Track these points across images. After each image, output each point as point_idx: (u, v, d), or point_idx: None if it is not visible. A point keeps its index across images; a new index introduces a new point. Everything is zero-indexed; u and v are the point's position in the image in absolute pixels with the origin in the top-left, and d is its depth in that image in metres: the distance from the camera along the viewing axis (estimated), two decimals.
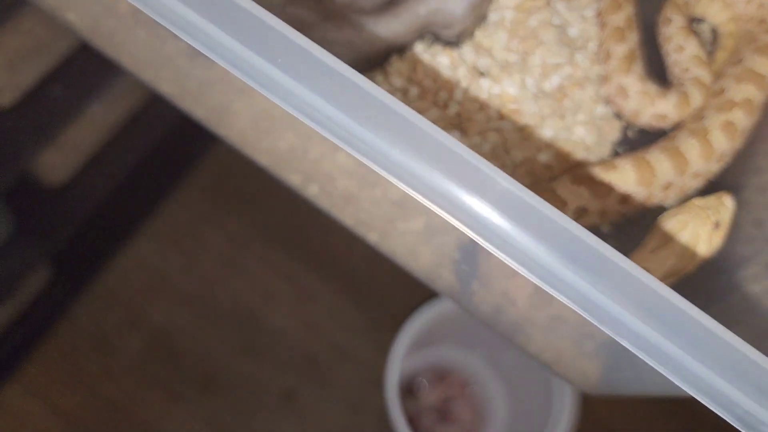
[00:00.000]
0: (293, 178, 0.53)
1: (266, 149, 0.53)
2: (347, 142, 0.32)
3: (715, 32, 0.68)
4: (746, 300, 0.49)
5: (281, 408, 1.41)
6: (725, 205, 0.52)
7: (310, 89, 0.32)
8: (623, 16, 0.60)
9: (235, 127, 0.54)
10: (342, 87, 0.33)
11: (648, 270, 0.50)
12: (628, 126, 0.62)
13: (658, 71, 0.65)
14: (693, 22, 0.68)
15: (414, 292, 1.28)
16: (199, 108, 0.53)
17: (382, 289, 1.49)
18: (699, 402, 0.30)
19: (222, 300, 1.49)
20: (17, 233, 1.16)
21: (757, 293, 0.49)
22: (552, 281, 0.31)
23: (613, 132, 0.61)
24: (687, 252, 0.51)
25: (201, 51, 0.34)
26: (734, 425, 0.31)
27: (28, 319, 1.28)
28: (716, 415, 0.31)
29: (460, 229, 0.32)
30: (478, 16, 0.56)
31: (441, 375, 1.22)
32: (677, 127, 0.60)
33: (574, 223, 0.32)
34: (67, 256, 1.32)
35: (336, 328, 1.49)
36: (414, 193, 0.32)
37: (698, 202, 0.52)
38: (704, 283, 0.53)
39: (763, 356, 0.31)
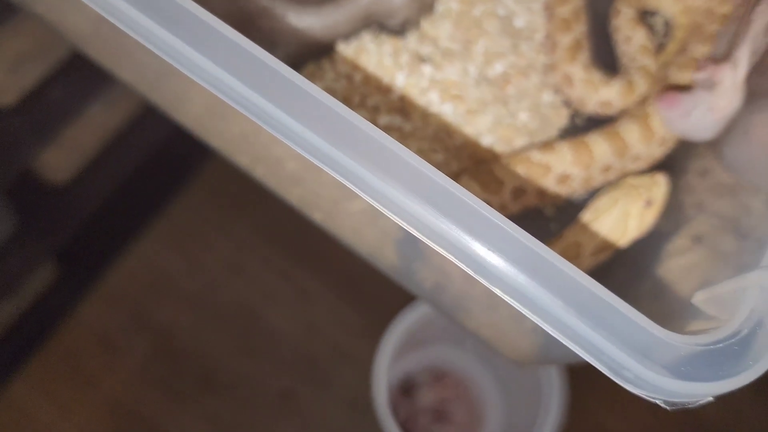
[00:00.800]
0: (242, 160, 0.55)
1: (218, 133, 0.56)
2: (282, 134, 0.35)
3: (668, 24, 0.69)
4: (670, 272, 0.50)
5: (281, 407, 1.43)
6: (658, 183, 0.53)
7: (249, 86, 0.35)
8: (570, 7, 0.62)
9: (190, 113, 0.56)
10: (276, 82, 0.36)
11: (579, 243, 0.51)
12: (576, 113, 0.63)
13: (610, 61, 0.66)
14: (647, 15, 0.70)
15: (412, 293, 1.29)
16: (156, 95, 0.56)
17: (381, 290, 1.50)
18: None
19: (224, 301, 1.52)
20: (20, 231, 1.21)
21: (680, 265, 0.50)
22: (466, 260, 0.33)
23: (561, 119, 0.62)
24: (617, 228, 0.52)
25: (148, 48, 0.37)
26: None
27: (32, 317, 1.33)
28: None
29: (392, 219, 0.34)
30: (422, 6, 0.58)
31: (438, 376, 1.23)
32: (623, 114, 0.61)
33: (486, 207, 0.34)
34: (71, 255, 1.36)
35: (335, 329, 1.50)
36: (348, 184, 0.34)
37: (632, 180, 0.54)
38: (636, 258, 0.55)
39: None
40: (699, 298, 0.40)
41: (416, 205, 0.33)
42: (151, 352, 1.45)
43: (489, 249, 0.32)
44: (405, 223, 0.33)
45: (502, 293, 0.33)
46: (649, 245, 0.56)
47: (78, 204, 1.29)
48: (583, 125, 0.63)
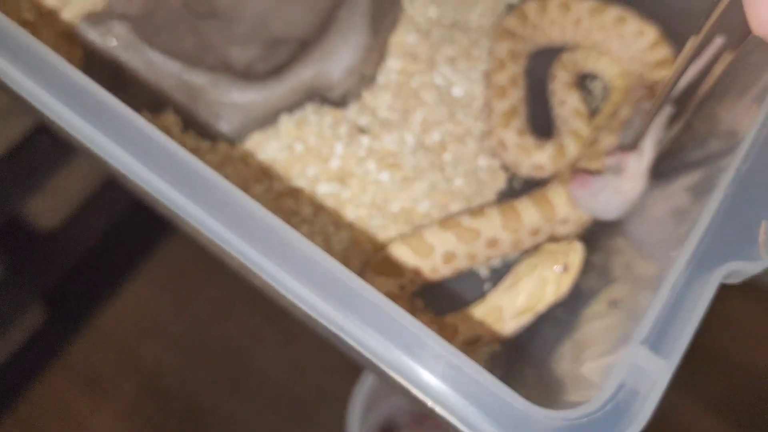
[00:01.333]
0: (184, 228, 0.58)
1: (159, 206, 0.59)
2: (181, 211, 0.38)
3: (606, 88, 0.72)
4: (585, 336, 0.53)
5: None
6: (575, 250, 0.56)
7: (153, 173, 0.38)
8: (507, 74, 0.65)
9: (135, 189, 0.60)
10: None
11: (500, 307, 0.54)
12: (514, 177, 0.67)
13: (550, 124, 0.70)
14: (587, 80, 0.73)
15: None
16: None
17: None
18: None
19: (211, 342, 1.54)
20: (8, 276, 1.24)
21: (594, 329, 0.52)
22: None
23: (499, 183, 0.65)
24: (536, 292, 0.55)
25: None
26: None
27: (21, 359, 1.36)
28: None
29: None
30: (363, 79, 0.62)
31: (418, 419, 1.24)
32: (555, 176, 0.64)
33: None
34: (60, 298, 1.40)
35: (320, 370, 1.52)
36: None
37: (549, 246, 0.57)
38: (562, 320, 0.57)
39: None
40: (586, 368, 0.42)
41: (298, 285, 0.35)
42: (139, 393, 1.47)
43: (369, 328, 0.35)
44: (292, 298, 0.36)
45: (386, 368, 0.36)
46: (573, 308, 0.58)
47: (66, 248, 1.33)
48: (520, 188, 0.66)
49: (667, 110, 0.53)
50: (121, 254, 1.52)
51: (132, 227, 1.51)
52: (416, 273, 0.57)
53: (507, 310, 0.55)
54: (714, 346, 1.49)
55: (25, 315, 1.31)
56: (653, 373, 0.36)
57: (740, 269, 0.42)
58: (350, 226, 0.59)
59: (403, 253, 0.56)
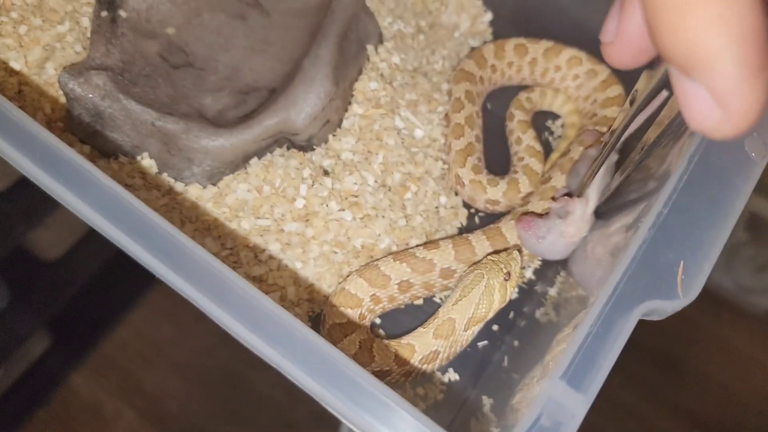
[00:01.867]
0: None
1: None
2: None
3: (563, 126, 0.76)
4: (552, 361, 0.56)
5: None
6: (515, 258, 0.60)
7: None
8: (464, 114, 0.69)
9: None
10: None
11: (452, 320, 0.57)
12: (476, 212, 0.70)
13: (507, 158, 0.73)
14: (548, 119, 0.76)
15: None
16: None
17: None
18: None
19: (211, 368, 1.58)
20: (13, 305, 1.29)
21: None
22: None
23: (460, 218, 0.69)
24: (484, 301, 0.58)
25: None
26: None
27: (24, 386, 1.40)
28: None
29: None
30: (326, 125, 0.66)
31: None
32: (510, 211, 0.68)
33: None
34: (64, 326, 1.44)
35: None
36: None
37: (492, 257, 0.60)
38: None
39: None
40: (516, 399, 0.45)
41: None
42: (140, 419, 1.51)
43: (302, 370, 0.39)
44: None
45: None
46: (529, 336, 0.61)
47: (69, 278, 1.38)
48: (483, 223, 0.69)
49: (613, 158, 0.57)
50: (123, 284, 1.57)
51: (132, 259, 1.55)
52: (375, 301, 0.61)
53: (459, 321, 0.58)
54: (704, 369, 1.50)
55: (29, 342, 1.35)
56: (570, 407, 0.39)
57: (659, 307, 0.45)
58: (315, 261, 0.63)
59: (360, 285, 0.60)
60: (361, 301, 0.60)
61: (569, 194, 0.60)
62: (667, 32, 0.23)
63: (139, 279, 1.59)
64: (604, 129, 0.71)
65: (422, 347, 0.58)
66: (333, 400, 0.38)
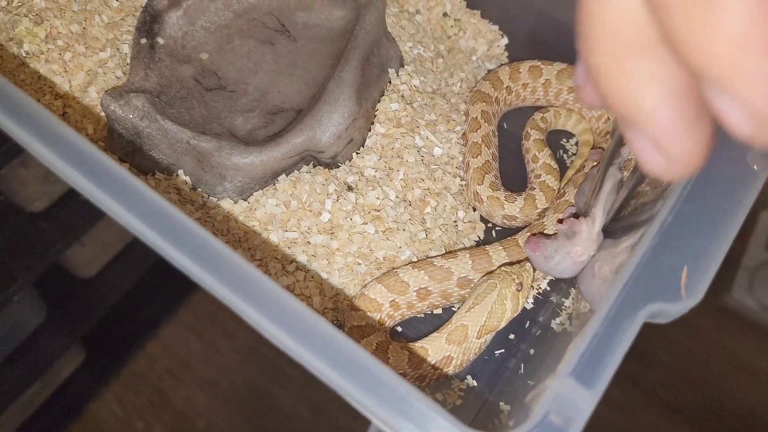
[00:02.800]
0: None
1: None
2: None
3: (578, 144, 0.78)
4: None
5: None
6: (527, 270, 0.62)
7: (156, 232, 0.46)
8: (481, 133, 0.72)
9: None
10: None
11: (465, 326, 0.60)
12: (493, 227, 0.73)
13: (523, 175, 0.76)
14: (563, 137, 0.79)
15: None
16: None
17: None
18: None
19: (238, 384, 1.61)
20: (49, 321, 1.34)
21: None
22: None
23: (478, 232, 0.72)
24: (497, 310, 0.61)
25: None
26: None
27: (58, 400, 1.44)
28: None
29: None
30: (350, 143, 0.69)
31: None
32: (526, 225, 0.71)
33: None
34: (97, 342, 1.49)
35: (339, 411, 1.57)
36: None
37: (505, 268, 0.63)
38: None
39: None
40: (529, 398, 0.48)
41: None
42: None
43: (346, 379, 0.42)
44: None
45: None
46: (543, 345, 0.64)
47: (103, 295, 1.42)
48: (499, 237, 0.72)
49: (617, 176, 0.59)
50: (153, 301, 1.61)
51: (164, 276, 1.60)
52: (394, 307, 0.64)
53: (472, 328, 0.61)
54: (727, 389, 1.50)
55: (63, 358, 1.40)
56: (578, 402, 0.42)
57: (664, 310, 0.47)
58: (340, 272, 0.66)
59: (380, 291, 0.63)
60: (381, 306, 0.63)
61: (576, 214, 0.62)
62: (606, 91, 0.24)
63: (169, 297, 1.63)
64: None
65: (435, 351, 0.61)
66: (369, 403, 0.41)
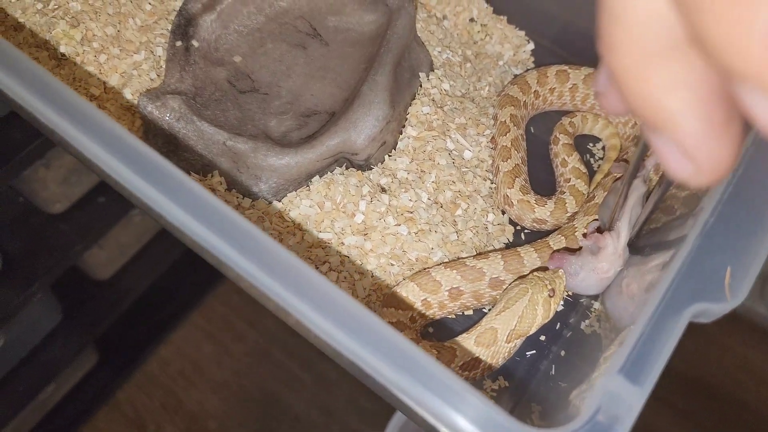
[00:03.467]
0: (229, 274, 0.67)
1: (208, 255, 0.68)
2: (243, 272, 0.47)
3: (605, 148, 0.79)
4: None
5: None
6: (560, 276, 0.63)
7: (210, 230, 0.47)
8: (510, 137, 0.73)
9: (185, 239, 0.69)
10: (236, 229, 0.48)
11: (495, 329, 0.60)
12: (522, 230, 0.74)
13: (550, 179, 0.77)
14: (590, 142, 0.80)
15: None
16: (161, 222, 0.68)
17: None
18: None
19: (249, 387, 1.62)
20: (65, 322, 1.35)
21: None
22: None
23: (507, 235, 0.72)
24: (527, 315, 0.61)
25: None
26: None
27: (72, 401, 1.45)
28: None
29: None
30: (384, 145, 0.70)
31: None
32: (556, 228, 0.71)
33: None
34: (111, 343, 1.49)
35: (350, 415, 1.58)
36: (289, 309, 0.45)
37: (537, 273, 0.63)
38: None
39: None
40: (573, 395, 0.49)
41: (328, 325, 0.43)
42: None
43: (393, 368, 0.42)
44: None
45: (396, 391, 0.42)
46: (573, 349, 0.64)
47: (118, 297, 1.43)
48: (528, 240, 0.73)
49: (642, 189, 0.60)
50: (167, 304, 1.62)
51: (178, 280, 1.61)
52: (426, 306, 0.64)
53: (501, 331, 0.61)
54: (739, 396, 1.50)
55: (78, 359, 1.41)
56: (628, 399, 0.42)
57: (708, 309, 0.48)
58: (372, 274, 0.67)
59: (412, 289, 0.63)
60: (413, 304, 0.63)
61: (599, 228, 0.62)
62: (631, 96, 0.23)
63: (182, 300, 1.64)
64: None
65: (463, 352, 0.61)
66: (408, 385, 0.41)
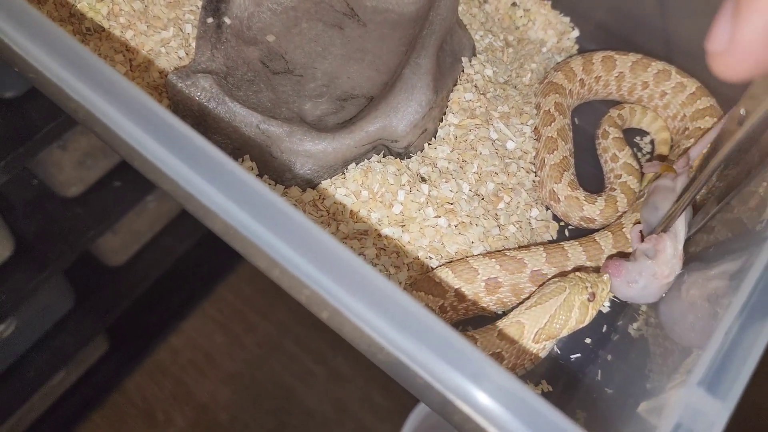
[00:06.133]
0: (259, 264, 0.63)
1: (238, 241, 0.65)
2: (277, 255, 0.43)
3: (653, 143, 0.75)
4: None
5: None
6: (604, 282, 0.58)
7: (250, 214, 0.44)
8: (556, 127, 0.69)
9: (214, 225, 0.65)
10: (273, 212, 0.44)
11: (522, 324, 0.56)
12: (566, 226, 0.70)
13: (592, 175, 0.73)
14: (636, 136, 0.76)
15: None
16: (188, 207, 0.65)
17: None
18: None
19: (261, 379, 1.59)
20: (77, 308, 1.32)
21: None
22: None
23: (551, 232, 0.69)
24: (560, 315, 0.56)
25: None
26: None
27: (82, 387, 1.42)
28: None
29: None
30: (424, 133, 0.66)
31: None
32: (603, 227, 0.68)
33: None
34: (121, 331, 1.46)
35: (363, 410, 1.55)
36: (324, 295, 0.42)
37: (580, 274, 0.59)
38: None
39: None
40: (643, 407, 0.45)
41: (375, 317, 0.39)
42: (190, 427, 1.52)
43: (447, 364, 0.39)
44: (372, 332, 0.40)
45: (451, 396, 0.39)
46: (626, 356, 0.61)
47: (130, 284, 1.40)
48: (572, 237, 0.69)
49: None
50: (178, 293, 1.59)
51: (189, 269, 1.58)
52: (459, 298, 0.60)
53: (529, 328, 0.56)
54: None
55: (89, 346, 1.38)
56: (710, 414, 0.38)
57: None
58: (409, 267, 0.63)
59: (446, 275, 0.59)
60: (445, 292, 0.59)
61: (650, 231, 0.58)
62: None
63: (193, 289, 1.61)
64: (667, 154, 0.71)
65: (484, 344, 0.56)
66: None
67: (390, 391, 1.55)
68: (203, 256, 1.60)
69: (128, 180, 1.24)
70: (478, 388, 0.38)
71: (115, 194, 1.23)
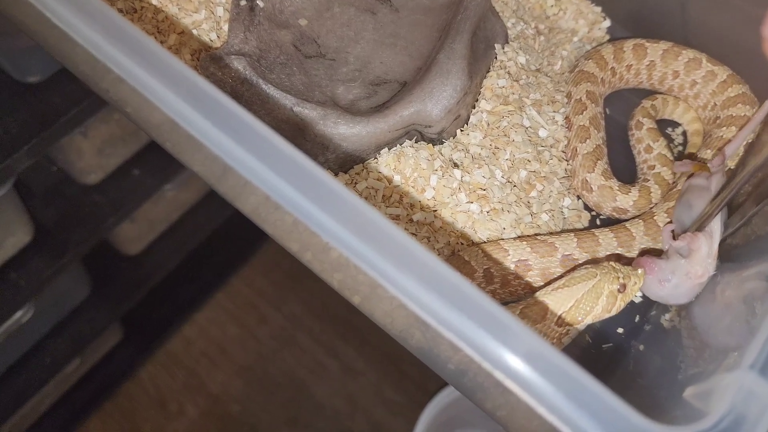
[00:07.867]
0: (292, 246, 0.63)
1: (272, 222, 0.64)
2: (321, 229, 0.43)
3: (685, 134, 0.75)
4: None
5: None
6: (637, 275, 0.57)
7: (296, 189, 0.43)
8: (588, 115, 0.69)
9: (249, 204, 0.65)
10: (318, 186, 0.44)
11: (546, 305, 0.55)
12: (597, 216, 0.69)
13: (622, 165, 0.72)
14: (668, 126, 0.76)
15: None
16: (221, 186, 0.65)
17: (420, 372, 1.55)
18: None
19: (274, 372, 1.59)
20: (92, 296, 1.31)
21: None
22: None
23: (582, 221, 0.68)
24: (586, 301, 0.55)
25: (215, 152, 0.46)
26: None
27: (96, 376, 1.42)
28: None
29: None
30: (458, 119, 0.66)
31: None
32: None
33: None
34: (136, 321, 1.46)
35: (375, 405, 1.55)
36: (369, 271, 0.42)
37: (614, 263, 0.57)
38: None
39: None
40: (689, 392, 0.44)
41: (427, 295, 0.39)
42: (203, 418, 1.52)
43: (494, 339, 0.38)
44: (419, 310, 0.40)
45: (504, 377, 0.39)
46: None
47: (146, 274, 1.40)
48: (604, 226, 0.69)
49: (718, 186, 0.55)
50: (192, 283, 1.59)
51: (204, 259, 1.58)
52: (487, 279, 0.59)
53: (552, 310, 0.55)
54: None
55: (104, 335, 1.38)
56: (763, 397, 0.38)
57: None
58: (441, 252, 0.62)
59: (475, 254, 0.59)
60: (474, 271, 0.58)
61: (683, 230, 0.58)
62: None
63: (207, 280, 1.61)
64: (694, 152, 0.70)
65: None
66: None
67: (402, 386, 1.55)
68: (217, 248, 1.59)
69: (147, 168, 1.24)
70: (532, 368, 0.37)
71: (133, 182, 1.23)
